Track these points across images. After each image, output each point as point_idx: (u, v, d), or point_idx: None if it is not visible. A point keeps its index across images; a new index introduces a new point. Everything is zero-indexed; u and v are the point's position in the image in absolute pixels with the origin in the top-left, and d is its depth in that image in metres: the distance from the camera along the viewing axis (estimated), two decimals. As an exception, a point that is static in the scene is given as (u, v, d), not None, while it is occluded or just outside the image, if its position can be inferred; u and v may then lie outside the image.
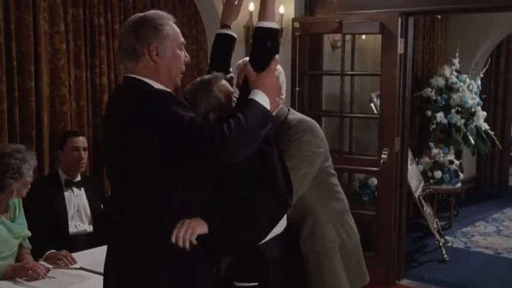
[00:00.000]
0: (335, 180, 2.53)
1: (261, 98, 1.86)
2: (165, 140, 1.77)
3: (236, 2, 2.45)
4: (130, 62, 1.93)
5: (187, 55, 2.03)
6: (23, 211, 2.96)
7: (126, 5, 4.05)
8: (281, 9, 4.43)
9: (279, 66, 2.13)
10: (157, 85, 1.92)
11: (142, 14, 1.98)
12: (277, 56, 1.95)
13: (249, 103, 1.85)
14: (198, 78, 2.19)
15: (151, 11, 2.00)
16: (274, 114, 1.99)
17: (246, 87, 1.93)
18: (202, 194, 1.92)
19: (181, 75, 2.02)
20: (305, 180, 2.29)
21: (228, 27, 2.46)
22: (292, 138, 2.31)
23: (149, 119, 1.79)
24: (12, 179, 2.75)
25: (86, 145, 3.47)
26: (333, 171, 2.53)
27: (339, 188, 2.55)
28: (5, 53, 3.36)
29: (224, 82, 2.15)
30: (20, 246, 2.91)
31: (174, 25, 1.99)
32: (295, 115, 2.43)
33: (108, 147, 2.00)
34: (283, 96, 2.41)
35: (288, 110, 2.46)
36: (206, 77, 2.18)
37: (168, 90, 1.93)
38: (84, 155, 3.42)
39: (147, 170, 1.84)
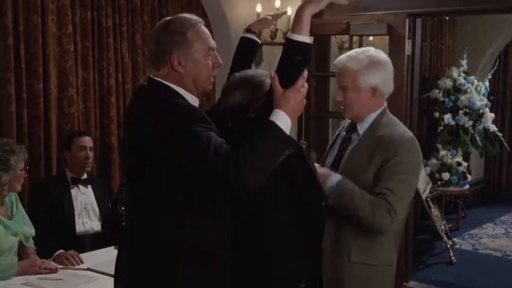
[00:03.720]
0: None
1: (282, 120, 1.78)
2: (179, 158, 1.75)
3: (270, 17, 2.49)
4: (151, 70, 1.90)
5: (219, 60, 1.95)
6: (21, 208, 2.97)
7: (134, 6, 4.06)
8: (288, 11, 4.43)
9: (380, 55, 2.16)
10: (183, 92, 1.88)
11: (168, 20, 1.92)
12: (305, 73, 1.85)
13: (270, 127, 1.77)
14: (252, 70, 2.21)
15: (179, 16, 1.93)
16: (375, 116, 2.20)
17: (269, 101, 1.86)
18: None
19: (212, 80, 1.96)
20: None
21: (254, 32, 2.47)
22: None
23: (169, 133, 1.76)
24: (0, 171, 2.78)
25: (92, 145, 3.50)
26: None
27: None
28: (14, 55, 3.38)
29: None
30: (24, 247, 2.93)
31: (201, 29, 1.91)
32: None
33: (126, 149, 2.00)
34: None
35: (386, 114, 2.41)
36: (260, 70, 2.20)
37: (193, 104, 1.88)
38: (91, 154, 3.46)
39: (161, 175, 1.83)
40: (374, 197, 2.17)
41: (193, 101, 1.92)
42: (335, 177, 2.21)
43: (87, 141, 3.47)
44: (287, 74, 1.84)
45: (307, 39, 1.86)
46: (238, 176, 1.67)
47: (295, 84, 1.83)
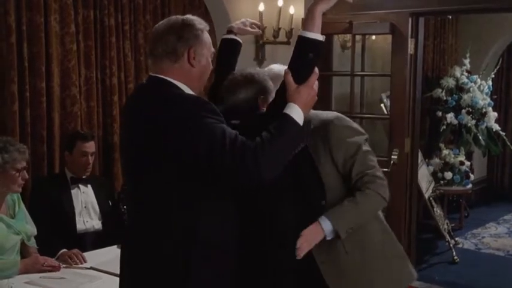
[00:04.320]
0: None
1: (297, 114, 1.84)
2: (193, 151, 1.75)
3: (248, 27, 2.52)
4: (169, 61, 1.92)
5: (211, 63, 2.03)
6: (23, 207, 2.98)
7: (137, 5, 4.06)
8: (291, 10, 4.43)
9: None
10: (186, 89, 1.91)
11: (184, 18, 1.97)
12: (317, 69, 1.91)
13: (285, 120, 1.82)
14: (251, 69, 2.24)
15: (190, 16, 1.99)
16: None
17: (282, 96, 1.89)
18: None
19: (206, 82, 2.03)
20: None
21: (234, 33, 2.51)
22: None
23: (179, 126, 1.77)
24: None
25: (94, 150, 3.49)
26: None
27: None
28: (17, 54, 3.38)
29: None
30: (26, 246, 2.93)
31: (208, 34, 1.99)
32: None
33: (127, 146, 1.99)
34: None
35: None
36: (258, 69, 2.26)
37: (200, 96, 1.92)
38: (91, 160, 3.45)
39: (170, 173, 1.83)
40: (360, 190, 2.19)
41: None
42: (325, 224, 2.15)
43: (90, 146, 3.44)
44: (300, 71, 1.89)
45: (319, 36, 1.90)
46: (256, 167, 1.70)
47: (308, 80, 1.88)
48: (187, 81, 1.92)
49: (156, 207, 1.88)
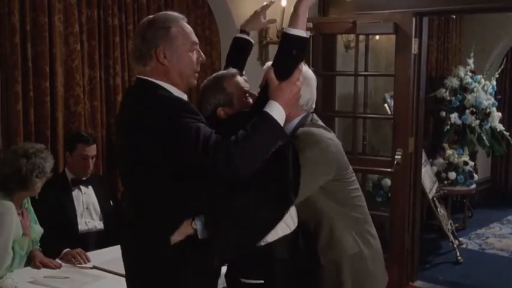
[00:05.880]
0: (353, 187, 2.36)
1: (277, 112, 1.83)
2: (175, 151, 1.79)
3: (262, 18, 2.52)
4: (138, 65, 1.93)
5: (202, 55, 2.00)
6: (31, 208, 3.03)
7: (140, 5, 4.07)
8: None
9: (309, 71, 2.12)
10: (169, 87, 1.91)
11: (152, 17, 1.97)
12: (300, 66, 1.91)
13: (264, 118, 1.81)
14: (214, 74, 2.21)
15: (162, 13, 1.99)
16: (296, 122, 2.09)
17: (265, 93, 1.89)
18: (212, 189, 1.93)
19: (197, 75, 2.01)
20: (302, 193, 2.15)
21: (247, 33, 2.51)
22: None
23: (158, 127, 1.79)
24: (37, 178, 2.85)
25: (95, 152, 3.48)
26: (352, 179, 2.36)
27: (358, 193, 2.39)
28: (21, 54, 3.38)
29: (238, 78, 2.16)
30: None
31: (185, 25, 1.96)
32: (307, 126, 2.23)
33: (119, 148, 2.02)
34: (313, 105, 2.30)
35: (311, 119, 2.28)
36: (220, 72, 2.21)
37: (180, 97, 1.92)
38: (92, 162, 3.44)
39: (154, 173, 1.86)
40: None
41: (181, 95, 1.95)
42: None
43: (91, 150, 3.43)
44: (283, 67, 1.89)
45: (302, 33, 1.90)
46: (227, 164, 1.71)
47: (290, 77, 1.87)
48: (168, 79, 1.92)
49: (154, 207, 1.89)
